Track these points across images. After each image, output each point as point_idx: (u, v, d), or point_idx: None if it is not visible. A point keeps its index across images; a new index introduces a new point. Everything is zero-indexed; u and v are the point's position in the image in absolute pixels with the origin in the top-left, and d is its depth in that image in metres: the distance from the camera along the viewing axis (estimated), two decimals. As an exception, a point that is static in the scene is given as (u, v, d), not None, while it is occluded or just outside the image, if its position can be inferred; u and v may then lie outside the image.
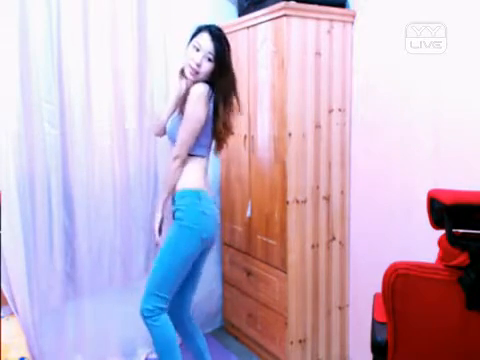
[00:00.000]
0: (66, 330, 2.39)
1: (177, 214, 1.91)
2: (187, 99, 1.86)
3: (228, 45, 1.89)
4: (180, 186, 1.93)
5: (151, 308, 1.87)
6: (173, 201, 1.95)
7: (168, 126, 1.99)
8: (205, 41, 1.83)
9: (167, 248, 1.90)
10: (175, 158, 1.88)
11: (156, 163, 2.56)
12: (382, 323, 1.33)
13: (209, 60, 1.84)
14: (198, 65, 1.83)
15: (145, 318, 1.89)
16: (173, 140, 1.93)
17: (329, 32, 2.24)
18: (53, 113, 2.22)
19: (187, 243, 1.89)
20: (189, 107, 1.84)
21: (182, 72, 1.91)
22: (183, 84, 1.92)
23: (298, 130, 2.22)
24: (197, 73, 1.85)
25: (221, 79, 1.87)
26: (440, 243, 1.28)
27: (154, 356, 2.61)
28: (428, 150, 1.95)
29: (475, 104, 1.76)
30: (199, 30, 1.87)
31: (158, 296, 1.88)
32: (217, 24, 1.84)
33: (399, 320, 1.26)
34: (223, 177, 2.77)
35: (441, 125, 1.89)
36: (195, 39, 1.85)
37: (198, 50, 1.83)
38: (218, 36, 1.85)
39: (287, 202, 2.23)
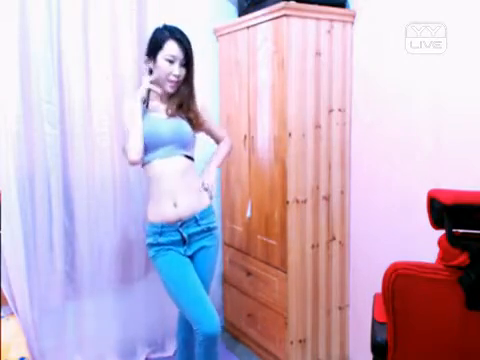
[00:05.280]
0: (66, 330, 2.40)
1: (216, 232, 1.96)
2: (202, 104, 1.94)
3: (189, 42, 1.84)
4: (205, 201, 1.93)
5: None
6: (195, 221, 1.89)
7: (172, 130, 1.85)
8: (175, 50, 1.79)
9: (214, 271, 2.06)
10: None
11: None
12: (382, 323, 1.33)
13: (182, 66, 1.82)
14: (179, 76, 1.82)
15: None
16: (185, 143, 1.87)
17: (329, 32, 2.24)
18: (53, 113, 2.22)
19: None
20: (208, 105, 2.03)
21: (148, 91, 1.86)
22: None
23: (298, 130, 2.21)
24: (177, 83, 1.84)
25: (188, 75, 1.87)
26: (440, 243, 1.28)
27: (154, 356, 2.62)
28: (428, 150, 1.95)
29: (475, 104, 1.76)
30: (162, 40, 1.80)
31: None
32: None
33: (399, 320, 1.26)
34: (223, 177, 2.77)
35: (441, 125, 1.89)
36: (164, 51, 1.79)
37: (172, 62, 1.80)
38: (184, 40, 1.81)
39: (287, 202, 2.23)
